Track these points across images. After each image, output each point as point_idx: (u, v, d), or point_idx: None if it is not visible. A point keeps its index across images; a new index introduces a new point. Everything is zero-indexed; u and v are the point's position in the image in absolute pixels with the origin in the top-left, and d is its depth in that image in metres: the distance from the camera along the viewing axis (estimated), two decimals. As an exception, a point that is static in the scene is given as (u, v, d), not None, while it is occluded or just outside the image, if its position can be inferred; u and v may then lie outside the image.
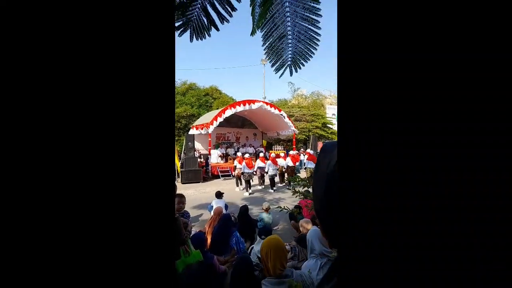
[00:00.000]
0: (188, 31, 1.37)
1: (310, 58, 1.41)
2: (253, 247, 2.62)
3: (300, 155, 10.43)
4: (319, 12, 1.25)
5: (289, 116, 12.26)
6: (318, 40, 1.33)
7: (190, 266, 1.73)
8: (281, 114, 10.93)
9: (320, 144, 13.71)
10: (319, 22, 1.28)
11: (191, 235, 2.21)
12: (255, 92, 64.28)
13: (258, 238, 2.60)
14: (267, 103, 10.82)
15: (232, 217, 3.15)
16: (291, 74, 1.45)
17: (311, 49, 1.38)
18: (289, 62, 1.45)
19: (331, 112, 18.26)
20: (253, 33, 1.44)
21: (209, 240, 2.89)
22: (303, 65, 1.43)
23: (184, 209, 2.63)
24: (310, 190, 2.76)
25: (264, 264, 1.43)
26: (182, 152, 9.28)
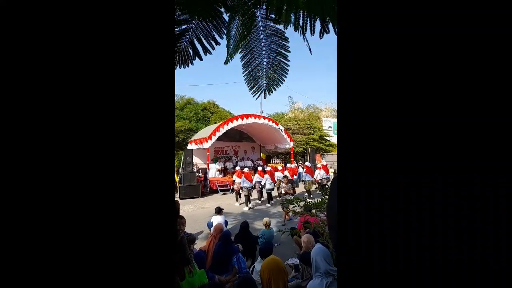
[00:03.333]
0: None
1: (281, 84, 1.76)
2: (254, 266, 2.59)
3: (298, 168, 10.42)
4: (288, 49, 1.61)
5: (286, 129, 12.38)
6: (287, 70, 1.69)
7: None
8: (279, 128, 11.05)
9: (318, 157, 13.73)
10: (288, 56, 1.64)
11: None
12: (252, 106, 64.89)
13: (259, 257, 2.58)
14: (264, 117, 10.97)
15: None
16: (265, 97, 1.80)
17: (283, 77, 1.72)
18: (264, 87, 1.75)
19: (327, 124, 18.43)
20: (226, 62, 1.72)
21: (209, 258, 2.85)
22: (275, 89, 1.77)
23: (184, 230, 2.60)
24: (310, 203, 2.78)
25: (266, 287, 1.43)
26: (181, 167, 9.24)
